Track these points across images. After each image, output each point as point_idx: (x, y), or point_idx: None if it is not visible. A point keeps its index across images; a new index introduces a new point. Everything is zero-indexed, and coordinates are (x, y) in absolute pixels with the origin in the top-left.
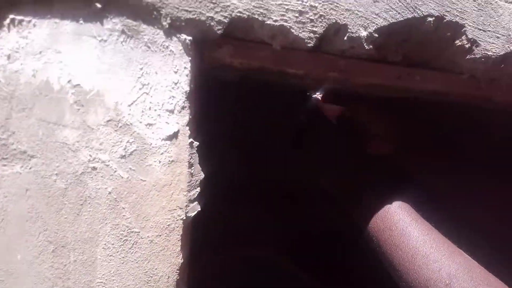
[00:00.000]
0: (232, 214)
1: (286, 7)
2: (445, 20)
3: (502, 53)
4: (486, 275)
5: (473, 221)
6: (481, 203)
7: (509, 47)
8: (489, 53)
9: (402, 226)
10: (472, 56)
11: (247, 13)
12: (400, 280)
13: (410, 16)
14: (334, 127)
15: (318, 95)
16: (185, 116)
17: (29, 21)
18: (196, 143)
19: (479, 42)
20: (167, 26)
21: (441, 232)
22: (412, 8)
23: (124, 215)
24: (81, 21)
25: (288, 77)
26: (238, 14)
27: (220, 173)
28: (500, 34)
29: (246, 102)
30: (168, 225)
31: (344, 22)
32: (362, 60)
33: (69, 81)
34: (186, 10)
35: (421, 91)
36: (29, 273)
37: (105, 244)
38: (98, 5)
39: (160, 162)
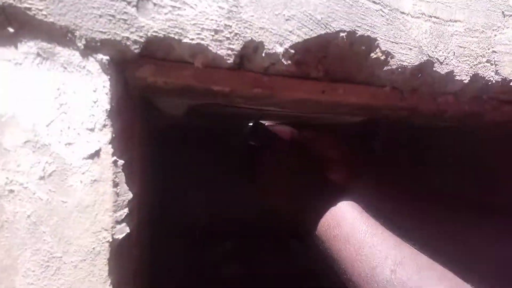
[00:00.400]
0: (197, 254)
1: (201, 26)
2: (357, 35)
3: (417, 63)
4: (431, 262)
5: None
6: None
7: (422, 58)
8: (404, 64)
9: (351, 221)
10: (389, 67)
11: (163, 33)
12: (346, 273)
13: (322, 32)
14: (287, 147)
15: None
16: (107, 134)
17: None
18: (121, 162)
19: (393, 54)
20: (82, 47)
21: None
22: (324, 24)
23: (45, 239)
24: None
25: (215, 95)
26: (154, 34)
27: (183, 215)
28: (412, 46)
29: (200, 141)
30: (93, 248)
31: (260, 40)
32: (286, 77)
33: None
34: (101, 31)
35: (348, 104)
36: None
37: (25, 271)
38: (11, 30)
39: (81, 182)
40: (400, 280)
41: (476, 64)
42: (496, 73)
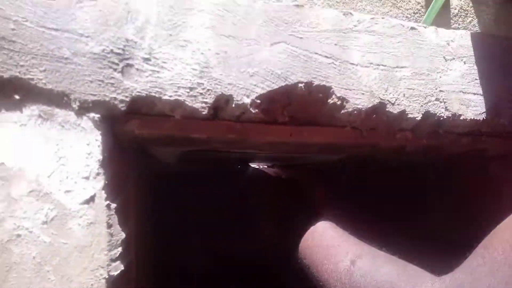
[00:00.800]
0: None
1: (178, 85)
2: (314, 85)
3: (370, 105)
4: (387, 255)
5: None
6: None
7: (374, 101)
8: (359, 107)
9: (321, 231)
10: (346, 110)
11: (145, 92)
12: (317, 275)
13: (283, 84)
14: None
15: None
16: (100, 181)
17: None
18: (113, 205)
19: (348, 99)
20: (77, 108)
21: None
22: (283, 78)
23: (49, 278)
24: (3, 111)
25: (195, 142)
26: (137, 94)
27: (182, 259)
28: (364, 91)
29: (195, 186)
30: (91, 284)
31: (229, 93)
32: (256, 123)
33: None
34: (92, 94)
35: (314, 144)
36: None
37: None
38: (17, 97)
39: (79, 224)
40: (357, 268)
41: (426, 103)
42: (446, 109)
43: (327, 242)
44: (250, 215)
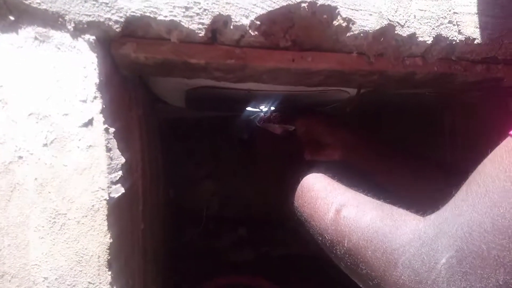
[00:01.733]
0: (209, 243)
1: (173, 4)
2: (318, 4)
3: (378, 28)
4: (373, 200)
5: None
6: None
7: (383, 22)
8: (366, 29)
9: (311, 186)
10: (352, 33)
11: (140, 12)
12: (309, 227)
13: (285, 4)
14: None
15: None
16: (98, 105)
17: None
18: (112, 129)
19: (354, 20)
20: (72, 29)
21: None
22: None
23: (50, 199)
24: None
25: (194, 68)
26: (132, 14)
27: (195, 203)
28: (372, 12)
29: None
30: (93, 205)
31: (227, 13)
32: (256, 48)
33: None
34: (86, 14)
35: (318, 71)
36: None
37: (36, 227)
38: (12, 18)
39: (78, 147)
40: (342, 217)
41: (438, 26)
42: (459, 32)
43: (315, 194)
44: (255, 165)
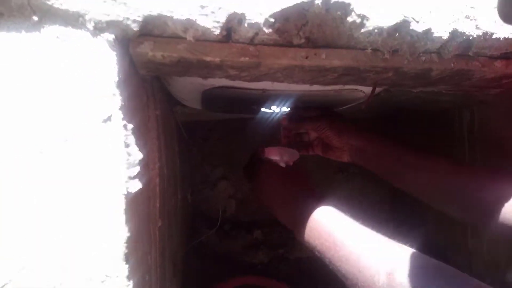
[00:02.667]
0: (225, 244)
1: (189, 3)
2: (332, 1)
3: (392, 23)
4: (425, 263)
5: None
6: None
7: (397, 18)
8: (380, 25)
9: (337, 239)
10: (366, 29)
11: (157, 11)
12: (348, 284)
13: (299, 1)
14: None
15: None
16: (117, 102)
17: None
18: (130, 125)
19: (368, 16)
20: (92, 29)
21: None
22: None
23: (71, 193)
24: (24, 32)
25: (209, 66)
26: (149, 13)
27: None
28: (385, 7)
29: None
30: (110, 200)
31: (241, 11)
32: (270, 45)
33: None
34: (106, 14)
35: (332, 68)
36: None
37: (56, 220)
38: (35, 18)
39: (98, 142)
40: (397, 283)
41: (454, 21)
42: (477, 27)
43: (353, 250)
44: (256, 180)
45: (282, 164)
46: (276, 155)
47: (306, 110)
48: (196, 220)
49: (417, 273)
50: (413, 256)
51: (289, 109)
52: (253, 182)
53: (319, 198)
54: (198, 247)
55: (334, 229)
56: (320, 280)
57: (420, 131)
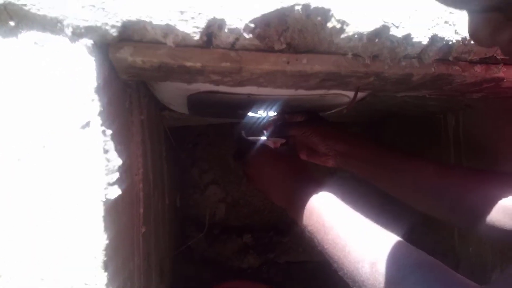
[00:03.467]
0: (215, 249)
1: (168, 8)
2: (312, 7)
3: (372, 29)
4: (406, 252)
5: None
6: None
7: (376, 24)
8: (360, 30)
9: (330, 220)
10: (346, 34)
11: (136, 17)
12: (337, 269)
13: (279, 7)
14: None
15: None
16: (96, 108)
17: None
18: (109, 131)
19: (348, 22)
20: (70, 34)
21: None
22: (280, 0)
23: (48, 198)
24: (0, 38)
25: (190, 71)
26: (128, 18)
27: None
28: (365, 13)
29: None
30: (88, 206)
31: (221, 17)
32: (251, 51)
33: None
34: (84, 19)
35: (313, 73)
36: None
37: (34, 227)
38: (12, 23)
39: (76, 149)
40: (379, 272)
41: (434, 26)
42: (456, 32)
43: (343, 236)
44: (251, 171)
45: (271, 144)
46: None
47: (291, 115)
48: (186, 225)
49: (399, 264)
50: (397, 246)
51: (275, 113)
52: (246, 165)
53: (313, 179)
54: (187, 252)
55: (325, 211)
56: (311, 285)
57: (408, 136)
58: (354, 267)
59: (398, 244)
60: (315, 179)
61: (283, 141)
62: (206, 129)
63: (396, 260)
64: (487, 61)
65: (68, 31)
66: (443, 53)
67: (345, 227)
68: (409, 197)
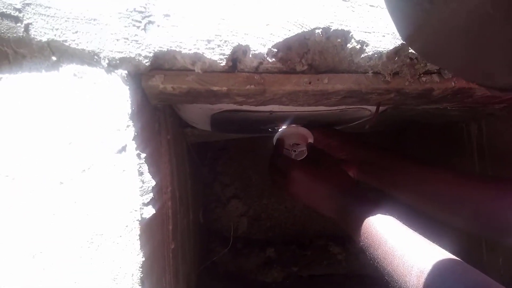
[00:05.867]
0: (238, 263)
1: (196, 38)
2: (332, 30)
3: (391, 47)
4: (451, 264)
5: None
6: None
7: (396, 42)
8: (379, 49)
9: (381, 237)
10: (366, 54)
11: (166, 47)
12: (390, 281)
13: (300, 31)
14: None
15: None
16: (131, 133)
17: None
18: (143, 154)
19: (368, 42)
20: (106, 66)
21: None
22: (300, 25)
23: (89, 220)
24: (44, 71)
25: (217, 95)
26: (160, 49)
27: (225, 225)
28: (385, 33)
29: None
30: (126, 226)
31: (246, 43)
32: (274, 73)
33: None
34: (119, 51)
35: (335, 91)
36: None
37: (75, 247)
38: (54, 58)
39: (113, 172)
40: (425, 284)
41: None
42: None
43: (391, 251)
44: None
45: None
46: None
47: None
48: (209, 239)
49: (445, 276)
50: (442, 257)
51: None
52: (286, 183)
53: (358, 191)
54: (211, 266)
55: (377, 227)
56: None
57: (430, 144)
58: (402, 280)
59: (443, 255)
60: (360, 191)
61: (304, 148)
62: (227, 143)
63: (441, 271)
64: None
65: (104, 62)
66: None
67: (394, 240)
68: (428, 206)
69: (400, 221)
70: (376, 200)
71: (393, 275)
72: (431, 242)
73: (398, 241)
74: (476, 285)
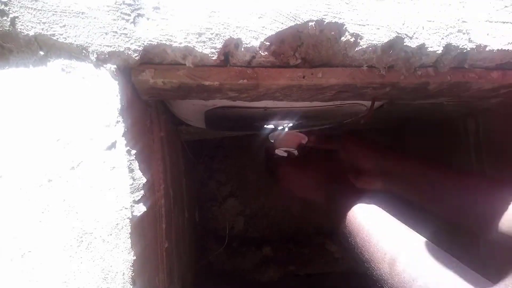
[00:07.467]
0: (234, 262)
1: (187, 31)
2: (325, 22)
3: (386, 41)
4: (425, 250)
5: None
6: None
7: (390, 35)
8: (374, 42)
9: (361, 223)
10: (360, 47)
11: (156, 41)
12: (366, 269)
13: (293, 24)
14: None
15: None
16: (120, 129)
17: None
18: (133, 151)
19: (362, 35)
20: (94, 60)
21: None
22: (293, 17)
23: (78, 218)
24: (31, 67)
25: (209, 89)
26: (149, 42)
27: (221, 223)
28: (379, 26)
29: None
30: (117, 224)
31: (237, 37)
32: (267, 67)
33: None
34: (108, 45)
35: (329, 86)
36: None
37: (64, 246)
38: (42, 53)
39: (103, 169)
40: (396, 272)
41: (447, 35)
42: (470, 41)
43: (367, 238)
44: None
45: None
46: (288, 145)
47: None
48: (205, 238)
49: (416, 263)
50: (417, 244)
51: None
52: (280, 179)
53: (348, 184)
54: (207, 265)
55: (356, 214)
56: None
57: (427, 140)
58: (376, 267)
59: (419, 244)
60: (348, 180)
61: (295, 152)
62: (222, 141)
63: (413, 260)
64: (503, 67)
65: (93, 57)
66: (458, 61)
67: (372, 227)
68: (454, 214)
69: (386, 211)
70: (363, 189)
71: (370, 262)
72: (411, 230)
73: (375, 228)
74: (447, 272)
